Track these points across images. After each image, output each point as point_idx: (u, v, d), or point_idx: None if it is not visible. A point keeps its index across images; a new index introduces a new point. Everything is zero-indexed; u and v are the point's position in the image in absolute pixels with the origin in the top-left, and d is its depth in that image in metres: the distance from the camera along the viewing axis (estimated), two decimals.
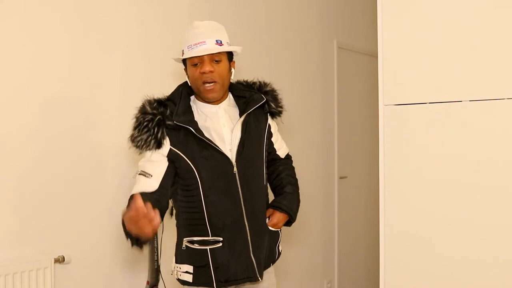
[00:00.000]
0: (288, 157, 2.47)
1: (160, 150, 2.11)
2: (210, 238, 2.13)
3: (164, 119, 2.09)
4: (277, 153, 2.38)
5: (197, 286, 2.17)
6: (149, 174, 2.08)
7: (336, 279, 4.48)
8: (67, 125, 2.69)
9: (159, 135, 2.08)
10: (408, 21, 2.60)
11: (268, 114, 2.29)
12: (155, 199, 2.01)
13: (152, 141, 2.08)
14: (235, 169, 2.12)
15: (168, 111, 2.11)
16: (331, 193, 4.43)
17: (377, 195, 2.68)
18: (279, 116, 2.33)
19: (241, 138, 2.15)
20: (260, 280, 2.20)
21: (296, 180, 2.42)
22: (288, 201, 2.32)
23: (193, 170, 2.10)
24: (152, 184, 2.07)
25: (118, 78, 2.91)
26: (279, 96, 2.32)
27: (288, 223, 2.36)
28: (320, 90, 4.29)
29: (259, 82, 2.31)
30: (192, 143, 2.11)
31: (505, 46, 2.37)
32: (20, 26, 2.51)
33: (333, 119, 4.43)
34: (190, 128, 2.09)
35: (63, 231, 2.67)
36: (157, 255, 2.93)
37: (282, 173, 2.38)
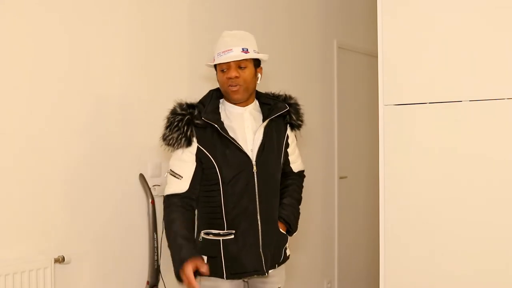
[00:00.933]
0: (300, 174, 2.57)
1: (190, 149, 2.28)
2: (225, 231, 2.30)
3: (192, 119, 2.28)
4: (290, 165, 2.50)
5: (209, 276, 2.30)
6: (180, 176, 2.30)
7: (336, 279, 4.48)
8: (67, 126, 2.69)
9: (188, 133, 2.26)
10: (408, 21, 2.60)
11: (288, 125, 2.44)
12: (188, 221, 2.31)
13: (183, 139, 2.26)
14: (254, 168, 2.28)
15: (196, 111, 2.30)
16: (331, 193, 4.43)
17: (377, 195, 2.68)
18: (298, 129, 2.48)
19: (262, 141, 2.32)
20: (266, 274, 2.33)
21: (300, 197, 2.55)
22: (287, 211, 2.45)
23: (215, 166, 2.27)
24: (182, 186, 2.30)
25: (118, 78, 2.91)
26: (301, 111, 2.47)
27: (288, 232, 2.47)
28: (320, 90, 4.29)
29: (285, 94, 2.48)
30: (216, 140, 2.28)
31: (505, 46, 2.37)
32: (27, 27, 2.51)
33: (333, 119, 4.43)
34: (216, 125, 2.26)
35: (63, 231, 2.66)
36: (157, 255, 2.94)
37: (288, 187, 2.50)
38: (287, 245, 2.47)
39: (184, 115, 2.28)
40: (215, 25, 3.35)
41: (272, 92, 2.51)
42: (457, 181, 2.48)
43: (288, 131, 2.44)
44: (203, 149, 2.27)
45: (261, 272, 2.32)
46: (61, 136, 2.67)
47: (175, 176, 2.30)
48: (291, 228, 2.46)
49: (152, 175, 3.02)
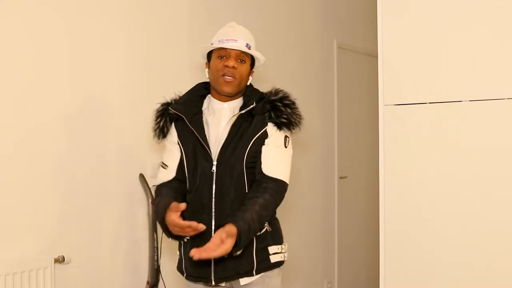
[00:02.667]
0: (275, 180, 2.12)
1: (171, 138, 2.25)
2: None
3: (167, 109, 2.24)
4: (261, 167, 2.14)
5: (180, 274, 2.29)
6: (166, 165, 2.25)
7: (336, 279, 4.48)
8: (67, 126, 2.69)
9: (161, 123, 2.24)
10: (408, 21, 2.60)
11: (274, 124, 2.17)
12: (176, 190, 2.19)
13: (157, 130, 2.25)
14: (213, 168, 2.15)
15: (173, 102, 2.26)
16: (331, 193, 4.43)
17: (377, 195, 2.68)
18: (287, 128, 2.18)
19: (226, 139, 2.16)
20: (213, 283, 2.16)
21: (263, 211, 2.07)
22: (242, 218, 2.01)
23: (184, 158, 2.21)
24: (168, 175, 2.24)
25: (118, 78, 2.91)
26: (291, 108, 2.19)
27: (234, 246, 1.98)
28: (320, 90, 4.29)
29: (273, 90, 2.24)
30: (188, 134, 2.20)
31: (505, 46, 2.37)
32: (26, 27, 2.51)
33: (333, 119, 4.43)
34: (183, 116, 2.19)
35: (63, 231, 2.67)
36: (157, 255, 2.93)
37: (255, 197, 2.08)
38: (276, 249, 2.20)
39: (161, 105, 2.27)
40: (215, 25, 3.34)
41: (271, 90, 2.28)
42: (457, 181, 2.48)
43: (270, 129, 2.16)
44: (179, 140, 2.22)
45: (206, 280, 2.16)
46: (61, 136, 2.67)
47: (162, 166, 2.26)
48: (239, 240, 1.96)
49: (152, 175, 3.02)
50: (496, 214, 2.38)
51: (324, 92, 4.33)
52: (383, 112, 2.66)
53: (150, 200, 2.94)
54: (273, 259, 2.21)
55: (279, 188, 2.14)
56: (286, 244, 2.27)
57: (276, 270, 2.24)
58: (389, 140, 2.64)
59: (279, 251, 2.23)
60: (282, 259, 2.25)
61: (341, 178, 4.52)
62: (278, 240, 2.25)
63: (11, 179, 2.49)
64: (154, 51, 3.07)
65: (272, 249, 2.21)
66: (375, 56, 2.76)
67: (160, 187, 2.25)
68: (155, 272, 2.93)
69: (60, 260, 2.59)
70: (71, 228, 2.70)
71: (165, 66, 3.12)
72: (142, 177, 2.98)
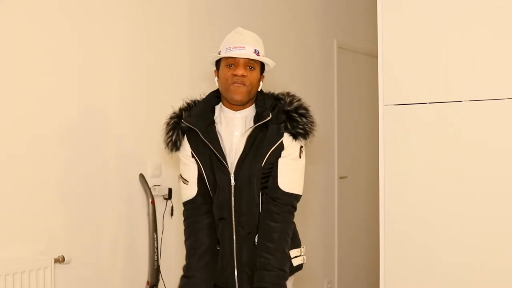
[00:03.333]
0: (290, 194, 2.14)
1: (184, 152, 2.20)
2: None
3: (179, 122, 2.18)
4: (278, 181, 2.14)
5: None
6: (186, 180, 2.21)
7: (336, 279, 4.47)
8: (67, 126, 2.69)
9: (173, 137, 2.18)
10: (408, 21, 2.60)
11: (290, 135, 2.15)
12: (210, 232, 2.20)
13: (169, 144, 2.19)
14: (232, 181, 2.13)
15: (185, 114, 2.20)
16: (331, 193, 4.43)
17: (377, 195, 2.68)
18: (303, 138, 2.16)
19: (243, 151, 2.13)
20: None
21: (288, 237, 2.16)
22: (273, 276, 2.09)
23: (203, 173, 2.17)
24: (192, 191, 2.20)
25: (118, 79, 2.91)
26: (306, 118, 2.18)
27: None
28: (320, 90, 4.29)
29: (287, 98, 2.20)
30: (202, 146, 2.15)
31: (505, 46, 2.37)
32: (25, 27, 2.51)
33: (333, 119, 4.43)
34: (197, 130, 2.13)
35: (63, 231, 2.67)
36: (157, 255, 2.93)
37: (274, 229, 2.12)
38: (296, 252, 2.23)
39: (172, 118, 2.21)
40: (215, 25, 3.35)
41: (279, 93, 2.26)
42: (457, 181, 2.48)
43: (286, 140, 2.14)
44: (194, 153, 2.17)
45: None
46: (61, 136, 2.67)
47: (183, 182, 2.22)
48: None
49: (152, 175, 3.02)
50: (496, 213, 2.38)
51: (324, 92, 4.33)
52: (383, 112, 2.66)
53: (150, 200, 2.94)
54: (295, 262, 2.23)
55: (292, 203, 2.16)
56: (304, 247, 2.28)
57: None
58: (389, 140, 2.64)
59: (299, 254, 2.25)
60: (302, 262, 2.26)
61: (341, 178, 4.52)
62: (298, 244, 2.26)
63: (13, 180, 2.49)
64: (154, 51, 3.07)
65: (292, 252, 2.21)
66: (375, 56, 2.76)
67: (188, 214, 2.21)
68: (155, 272, 2.93)
69: (60, 260, 2.59)
70: (71, 228, 2.69)
71: (165, 66, 3.12)
72: (142, 177, 2.98)
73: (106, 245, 2.85)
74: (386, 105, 2.65)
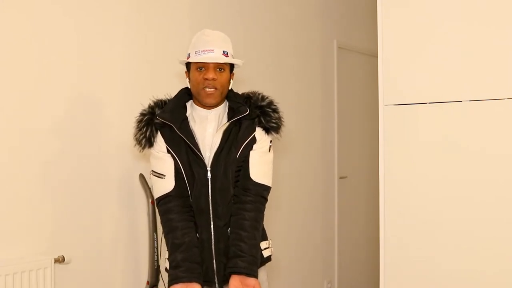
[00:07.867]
0: (261, 185, 2.22)
1: (158, 147, 2.22)
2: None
3: (153, 118, 2.22)
4: (249, 172, 2.21)
5: None
6: (162, 175, 2.21)
7: (336, 279, 4.48)
8: (67, 126, 2.69)
9: (147, 133, 2.21)
10: (408, 21, 2.60)
11: (262, 129, 2.24)
12: (189, 224, 2.22)
13: (143, 140, 2.21)
14: (209, 174, 2.19)
15: (158, 110, 2.24)
16: (331, 193, 4.43)
17: (377, 195, 2.68)
18: (275, 132, 2.25)
19: (219, 145, 2.19)
20: (216, 286, 2.24)
21: (259, 226, 2.23)
22: (245, 262, 2.15)
23: (180, 167, 2.20)
24: (168, 185, 2.21)
25: (118, 78, 2.91)
26: (277, 113, 2.25)
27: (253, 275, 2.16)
28: (320, 90, 4.29)
29: (258, 95, 2.28)
30: (179, 141, 2.19)
31: (505, 46, 2.37)
32: (32, 27, 2.51)
33: (333, 119, 4.43)
34: (172, 125, 2.17)
35: (63, 231, 2.67)
36: (157, 255, 2.93)
37: (246, 217, 2.19)
38: (265, 244, 2.28)
39: (144, 115, 2.23)
40: (215, 25, 3.34)
41: (247, 92, 2.32)
42: (457, 181, 2.48)
43: (258, 134, 2.22)
44: (169, 148, 2.20)
45: (211, 284, 2.23)
46: (62, 137, 2.67)
47: (158, 176, 2.22)
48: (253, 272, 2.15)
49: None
50: (495, 214, 2.38)
51: (324, 92, 4.33)
52: (383, 112, 2.66)
53: (150, 200, 2.94)
54: (265, 254, 2.29)
55: (262, 193, 2.23)
56: (271, 240, 2.34)
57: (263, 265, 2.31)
58: (389, 140, 2.65)
59: (267, 246, 2.31)
60: (270, 254, 2.33)
61: (341, 178, 4.52)
62: (265, 237, 2.32)
63: (12, 179, 2.49)
64: (154, 50, 3.07)
65: (262, 245, 2.27)
66: (375, 56, 2.76)
67: (165, 208, 2.21)
68: (155, 272, 2.93)
69: (60, 260, 2.59)
70: (71, 228, 2.69)
71: (165, 66, 3.12)
72: (142, 177, 2.98)
73: (106, 245, 2.85)
74: (386, 105, 2.65)
